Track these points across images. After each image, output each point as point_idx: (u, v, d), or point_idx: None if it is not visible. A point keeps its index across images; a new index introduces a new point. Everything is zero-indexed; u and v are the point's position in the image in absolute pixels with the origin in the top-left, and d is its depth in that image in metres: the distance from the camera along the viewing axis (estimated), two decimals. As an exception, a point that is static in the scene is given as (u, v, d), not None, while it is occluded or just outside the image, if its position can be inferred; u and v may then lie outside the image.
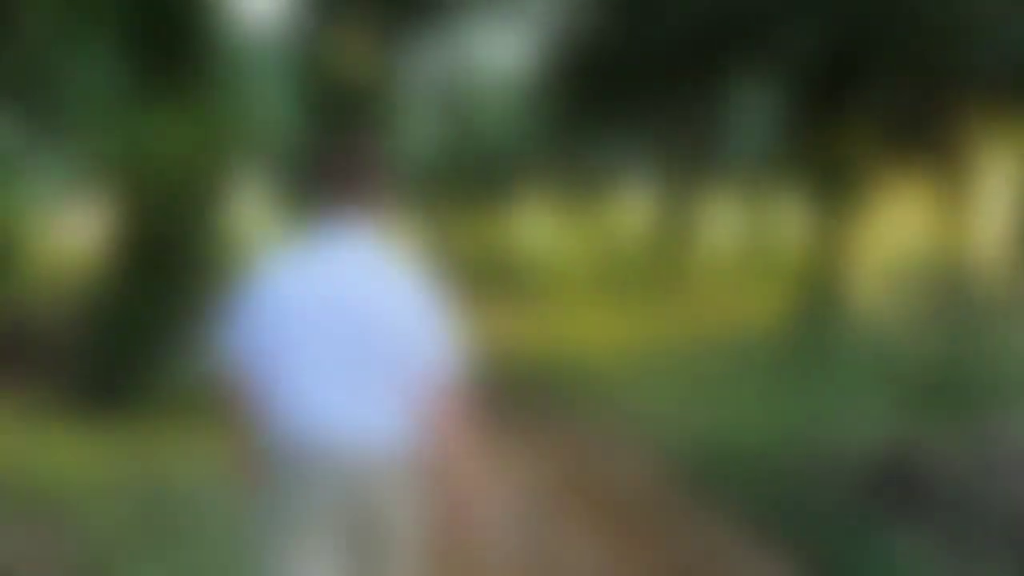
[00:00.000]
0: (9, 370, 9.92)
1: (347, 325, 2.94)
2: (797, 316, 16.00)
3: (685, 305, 18.72)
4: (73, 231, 23.91)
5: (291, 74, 19.37)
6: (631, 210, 34.81)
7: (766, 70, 17.58)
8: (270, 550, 2.99)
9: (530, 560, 5.63)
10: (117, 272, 8.01)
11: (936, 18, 15.32)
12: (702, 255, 28.19)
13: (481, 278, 25.51)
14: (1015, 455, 5.81)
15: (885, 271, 18.77)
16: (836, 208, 16.40)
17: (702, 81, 17.81)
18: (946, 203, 21.81)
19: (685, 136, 22.95)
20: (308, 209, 3.04)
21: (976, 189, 21.87)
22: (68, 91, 8.45)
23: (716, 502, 6.75)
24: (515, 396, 10.85)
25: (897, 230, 28.73)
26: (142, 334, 7.87)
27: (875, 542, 5.44)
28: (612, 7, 17.34)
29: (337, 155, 3.08)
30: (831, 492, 6.23)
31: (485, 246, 30.54)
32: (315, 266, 3.00)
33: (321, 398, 2.94)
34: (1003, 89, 16.90)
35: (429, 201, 28.62)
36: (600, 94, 17.95)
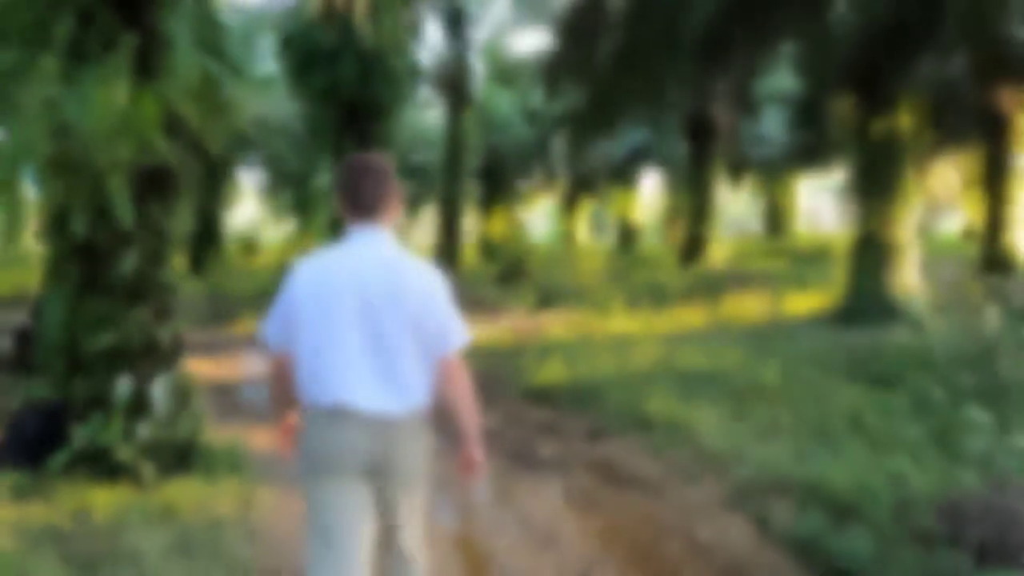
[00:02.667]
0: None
1: (371, 304, 3.57)
2: (844, 313, 14.58)
3: (717, 305, 17.21)
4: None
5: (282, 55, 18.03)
6: (650, 202, 33.49)
7: (804, 44, 16.21)
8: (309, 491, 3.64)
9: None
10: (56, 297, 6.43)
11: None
12: (726, 246, 26.80)
13: (502, 276, 24.30)
14: None
15: (933, 257, 17.31)
16: (880, 190, 14.93)
17: (734, 59, 16.38)
18: (992, 185, 20.49)
19: (714, 120, 21.65)
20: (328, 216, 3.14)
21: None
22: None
23: (825, 565, 5.33)
24: (565, 417, 9.41)
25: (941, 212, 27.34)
26: (81, 370, 6.35)
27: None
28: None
29: (351, 173, 3.71)
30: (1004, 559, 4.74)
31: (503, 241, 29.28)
32: (339, 260, 3.66)
33: (352, 361, 3.55)
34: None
35: (450, 197, 27.38)
36: (622, 76, 16.51)
